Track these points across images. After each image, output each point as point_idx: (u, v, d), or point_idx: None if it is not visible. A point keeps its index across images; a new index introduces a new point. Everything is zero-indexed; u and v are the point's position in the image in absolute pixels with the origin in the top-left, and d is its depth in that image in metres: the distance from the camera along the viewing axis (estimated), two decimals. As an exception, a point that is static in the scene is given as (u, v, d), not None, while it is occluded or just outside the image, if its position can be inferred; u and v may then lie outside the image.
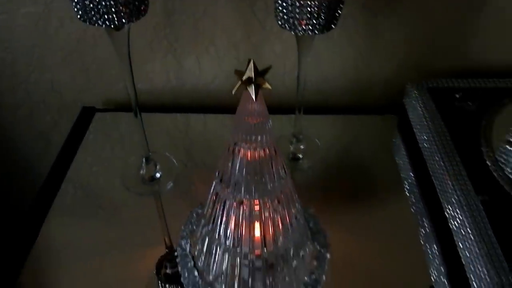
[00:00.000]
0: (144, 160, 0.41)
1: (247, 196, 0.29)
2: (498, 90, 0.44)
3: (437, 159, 0.39)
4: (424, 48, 0.48)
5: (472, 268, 0.31)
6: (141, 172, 0.42)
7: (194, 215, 0.38)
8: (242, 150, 0.27)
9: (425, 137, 0.42)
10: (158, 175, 0.42)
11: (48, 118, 0.53)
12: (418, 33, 0.47)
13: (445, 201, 0.37)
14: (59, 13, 0.45)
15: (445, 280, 0.35)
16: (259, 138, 0.27)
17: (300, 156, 0.45)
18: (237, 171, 0.28)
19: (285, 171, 0.29)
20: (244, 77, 0.24)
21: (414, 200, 0.42)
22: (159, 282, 0.34)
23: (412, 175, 0.44)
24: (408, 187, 0.43)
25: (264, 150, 0.27)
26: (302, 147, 0.45)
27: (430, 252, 0.37)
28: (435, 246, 0.37)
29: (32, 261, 0.37)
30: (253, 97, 0.24)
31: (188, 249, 0.35)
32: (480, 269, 0.30)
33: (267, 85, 0.24)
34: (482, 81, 0.46)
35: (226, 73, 0.50)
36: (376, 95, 0.51)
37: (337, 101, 0.52)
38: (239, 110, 0.26)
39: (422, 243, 0.38)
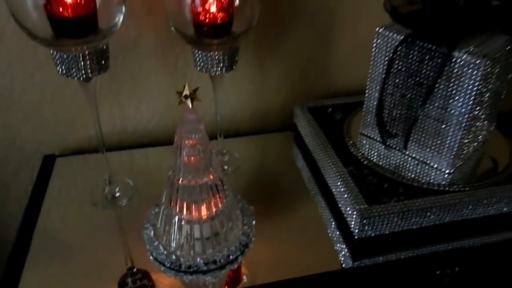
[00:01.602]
0: (107, 182, 0.53)
1: (192, 178, 0.42)
2: (353, 104, 0.64)
3: (319, 151, 0.56)
4: (302, 80, 0.67)
5: (346, 211, 0.48)
6: (105, 191, 0.53)
7: (153, 212, 0.50)
8: (185, 145, 0.41)
9: (310, 140, 0.59)
10: (117, 194, 0.54)
11: (9, 170, 0.63)
12: (296, 70, 0.66)
13: (326, 176, 0.54)
14: (22, 83, 0.56)
15: (335, 227, 0.50)
16: (196, 135, 0.41)
17: (226, 167, 0.59)
18: (183, 160, 0.42)
19: (215, 161, 0.44)
20: (183, 94, 0.38)
21: (310, 187, 0.58)
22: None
23: (307, 169, 0.60)
24: (306, 180, 0.59)
25: (199, 144, 0.41)
26: (225, 159, 0.60)
27: (325, 216, 0.53)
28: (328, 211, 0.53)
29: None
30: (190, 106, 0.38)
31: (152, 234, 0.47)
32: (350, 208, 0.47)
33: (198, 98, 0.39)
34: (343, 99, 0.65)
35: (159, 115, 0.64)
36: (275, 118, 0.69)
37: (247, 127, 0.68)
38: (181, 119, 0.41)
39: (319, 214, 0.54)
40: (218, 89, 0.53)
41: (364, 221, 0.44)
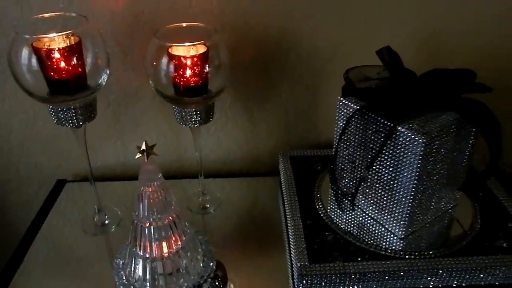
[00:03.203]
0: (97, 211, 0.61)
1: (151, 220, 0.49)
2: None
3: (287, 202, 0.60)
4: (291, 131, 0.71)
5: (294, 263, 0.51)
6: (95, 219, 0.61)
7: (126, 244, 0.57)
8: (146, 191, 0.47)
9: (283, 187, 0.63)
10: (106, 221, 0.62)
11: (31, 191, 0.73)
12: (283, 122, 0.70)
13: (288, 226, 0.57)
14: (43, 118, 0.67)
15: (291, 280, 0.54)
16: (155, 183, 0.47)
17: (207, 205, 0.65)
18: (144, 204, 0.48)
19: (173, 202, 0.50)
20: (141, 149, 0.45)
21: (284, 230, 0.61)
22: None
23: (283, 214, 0.64)
24: (283, 226, 0.63)
25: (158, 191, 0.48)
26: (207, 198, 0.65)
27: (288, 266, 0.56)
28: (289, 262, 0.56)
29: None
30: (146, 159, 0.45)
31: (120, 265, 0.54)
32: (295, 263, 0.50)
33: (155, 153, 0.45)
34: (329, 150, 0.69)
35: (158, 152, 0.71)
36: (265, 163, 0.73)
37: (238, 169, 0.73)
38: (141, 170, 0.47)
39: (286, 263, 0.57)
40: (197, 138, 0.59)
41: (302, 279, 0.48)
